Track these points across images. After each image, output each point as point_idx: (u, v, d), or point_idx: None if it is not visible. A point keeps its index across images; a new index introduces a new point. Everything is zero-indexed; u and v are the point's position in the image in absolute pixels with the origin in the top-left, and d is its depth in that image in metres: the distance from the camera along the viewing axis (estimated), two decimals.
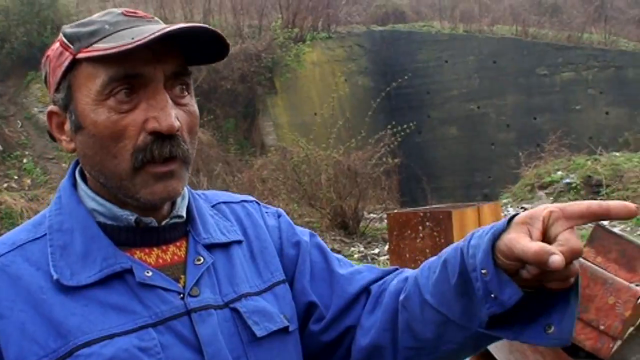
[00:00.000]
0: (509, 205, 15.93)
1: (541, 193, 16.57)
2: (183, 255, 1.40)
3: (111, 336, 1.24)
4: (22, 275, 1.29)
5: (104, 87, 1.27)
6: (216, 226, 1.49)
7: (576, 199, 15.62)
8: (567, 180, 16.37)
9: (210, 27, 1.29)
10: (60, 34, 1.36)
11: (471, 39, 22.72)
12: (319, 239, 1.70)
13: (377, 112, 18.25)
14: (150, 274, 1.32)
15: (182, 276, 1.37)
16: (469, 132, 22.25)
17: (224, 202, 1.60)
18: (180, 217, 1.43)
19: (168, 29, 1.23)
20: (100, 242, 1.32)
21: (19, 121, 20.36)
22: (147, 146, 1.28)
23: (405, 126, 15.80)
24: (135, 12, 1.35)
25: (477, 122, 22.22)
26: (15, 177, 19.15)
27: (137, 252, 1.36)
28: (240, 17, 20.89)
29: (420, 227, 5.49)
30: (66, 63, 1.31)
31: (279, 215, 1.68)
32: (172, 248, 1.40)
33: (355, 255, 12.25)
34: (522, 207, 15.97)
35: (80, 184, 1.41)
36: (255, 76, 19.25)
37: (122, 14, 1.33)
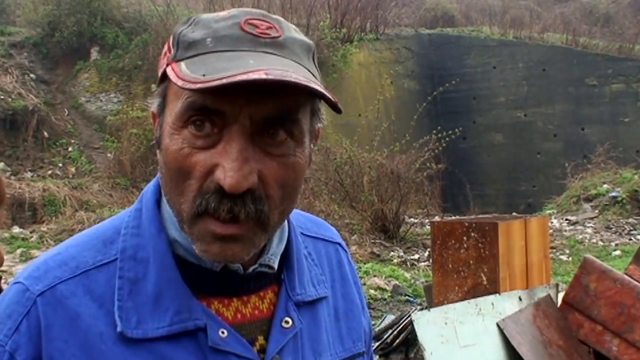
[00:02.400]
0: (553, 217, 15.71)
1: (586, 205, 16.33)
2: (265, 310, 1.20)
3: None
4: (81, 313, 1.11)
5: (182, 113, 1.07)
6: (308, 274, 1.28)
7: (621, 213, 15.37)
8: (613, 194, 16.12)
9: (308, 83, 1.00)
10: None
11: (521, 45, 22.49)
12: None
13: (422, 116, 18.13)
14: (225, 334, 1.13)
15: (260, 337, 1.18)
16: (515, 140, 22.02)
17: (321, 239, 1.37)
18: (270, 267, 1.20)
19: (248, 77, 0.98)
20: (176, 287, 1.13)
21: (66, 110, 20.60)
22: (210, 194, 1.06)
23: (450, 132, 15.65)
24: (259, 23, 1.12)
25: (523, 130, 21.98)
26: (60, 165, 19.37)
27: (215, 303, 1.16)
28: (288, 15, 20.88)
29: (465, 238, 5.39)
30: (162, 69, 1.13)
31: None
32: (253, 299, 1.20)
33: (395, 260, 12.16)
34: (566, 219, 15.75)
35: (165, 205, 1.18)
36: None
37: (241, 25, 1.10)
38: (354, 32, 21.44)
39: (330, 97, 1.02)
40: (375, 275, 10.10)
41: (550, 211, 16.66)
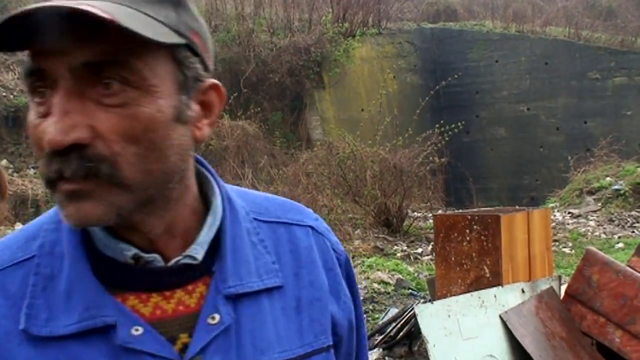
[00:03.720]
0: (556, 210, 15.71)
1: (589, 199, 16.33)
2: (193, 305, 1.09)
3: None
4: None
5: (24, 83, 1.01)
6: (254, 263, 1.15)
7: (624, 206, 15.37)
8: (616, 187, 16.11)
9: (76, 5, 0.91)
10: None
11: (523, 39, 22.45)
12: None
13: (425, 111, 18.11)
14: (139, 331, 1.03)
15: (184, 334, 1.07)
16: (518, 134, 22.00)
17: (284, 223, 1.24)
18: (194, 258, 1.10)
19: (25, 9, 0.94)
20: (86, 282, 1.04)
21: None
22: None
23: (453, 126, 15.65)
24: None
25: (526, 123, 21.96)
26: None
27: (131, 298, 1.07)
28: (291, 10, 20.86)
29: (468, 231, 5.40)
30: None
31: (347, 260, 1.32)
32: (179, 294, 1.09)
33: (398, 254, 12.17)
34: (569, 212, 15.75)
35: None
36: (303, 70, 19.22)
37: None
38: (356, 27, 21.41)
39: (103, 17, 0.90)
40: (378, 269, 10.12)
41: (553, 204, 16.67)
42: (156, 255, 1.08)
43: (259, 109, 18.40)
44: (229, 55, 19.02)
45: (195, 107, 1.06)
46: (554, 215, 14.74)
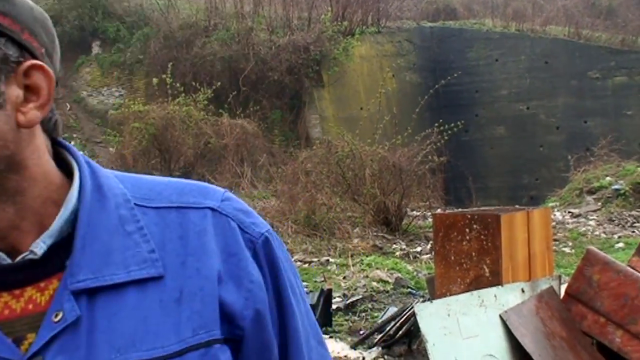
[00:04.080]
0: (555, 209, 15.69)
1: (589, 198, 16.31)
2: (44, 303, 1.02)
3: None
4: None
5: None
6: (121, 254, 1.06)
7: (624, 206, 15.35)
8: (616, 187, 16.09)
9: None
10: None
11: (523, 38, 22.43)
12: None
13: (424, 109, 18.10)
14: None
15: (31, 335, 1.01)
16: (518, 133, 21.98)
17: (175, 207, 1.13)
18: (34, 253, 1.04)
19: None
20: None
21: (68, 104, 20.60)
22: None
23: (452, 124, 15.62)
24: None
25: (526, 123, 21.94)
26: None
27: None
28: (290, 8, 20.86)
29: (467, 230, 5.37)
30: None
31: (265, 242, 1.17)
32: (29, 292, 1.03)
33: (397, 253, 12.15)
34: (569, 212, 15.73)
35: None
36: (302, 68, 19.22)
37: None
38: (355, 25, 21.40)
39: None
40: (377, 268, 10.10)
41: (553, 204, 16.64)
42: (1, 254, 1.02)
43: (258, 107, 18.40)
44: (228, 54, 19.02)
45: (13, 91, 1.01)
46: (554, 215, 14.72)
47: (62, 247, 1.04)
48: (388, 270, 10.09)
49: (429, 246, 12.58)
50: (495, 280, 5.20)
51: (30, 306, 1.02)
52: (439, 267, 5.61)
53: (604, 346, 4.96)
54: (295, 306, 1.18)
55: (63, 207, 1.06)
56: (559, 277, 5.66)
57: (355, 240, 12.61)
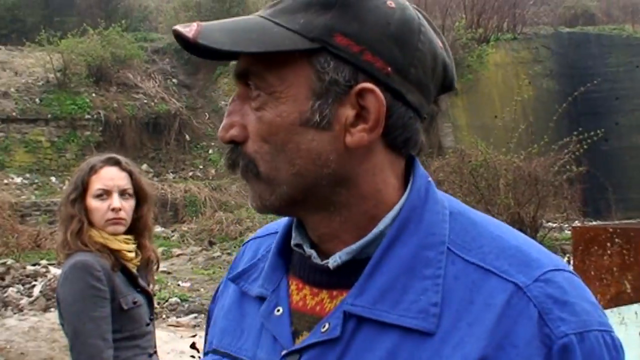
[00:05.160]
0: None
1: None
2: (327, 310, 1.09)
3: (224, 355, 1.20)
4: None
5: None
6: (403, 296, 1.04)
7: None
8: None
9: (186, 31, 1.06)
10: None
11: None
12: None
13: (561, 117, 17.65)
14: (279, 312, 1.13)
15: (307, 334, 1.09)
16: None
17: (483, 268, 1.04)
18: (328, 263, 1.10)
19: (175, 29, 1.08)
20: (275, 257, 1.19)
21: (206, 113, 21.26)
22: None
23: (591, 133, 15.18)
24: None
25: None
26: (201, 167, 20.00)
27: (294, 283, 1.16)
28: None
29: (609, 244, 5.20)
30: None
31: (566, 346, 0.98)
32: (323, 295, 1.11)
33: None
34: None
35: None
36: None
37: None
38: (490, 32, 21.17)
39: (186, 36, 1.04)
40: None
41: None
42: (313, 252, 1.12)
43: None
44: None
45: (344, 112, 1.05)
46: None
47: (362, 266, 1.07)
48: None
49: (565, 259, 12.26)
50: (637, 296, 5.02)
51: (318, 308, 1.10)
52: None
53: None
54: None
55: (370, 229, 1.09)
56: None
57: None
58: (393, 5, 1.06)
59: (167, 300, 10.80)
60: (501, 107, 19.10)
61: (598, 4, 27.53)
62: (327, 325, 1.05)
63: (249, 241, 1.34)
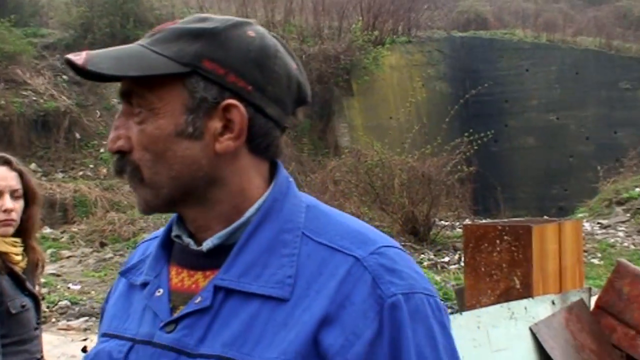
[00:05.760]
0: (584, 220, 15.59)
1: (618, 209, 16.19)
2: (201, 286, 1.29)
3: (112, 336, 1.37)
4: None
5: None
6: (265, 270, 1.24)
7: None
8: None
9: (77, 60, 1.25)
10: None
11: (554, 48, 22.36)
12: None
13: (454, 119, 18.05)
14: (160, 293, 1.32)
15: (182, 307, 1.28)
16: (547, 143, 21.88)
17: (329, 247, 1.25)
18: (202, 248, 1.31)
19: (73, 58, 1.26)
20: (158, 250, 1.39)
21: (97, 111, 20.73)
22: None
23: (482, 134, 15.59)
24: (170, 23, 1.34)
25: (555, 133, 21.84)
26: (91, 166, 19.50)
27: (174, 269, 1.35)
28: (320, 18, 20.93)
29: (498, 241, 5.36)
30: None
31: (394, 304, 1.20)
32: (198, 275, 1.31)
33: (425, 263, 12.14)
34: (598, 223, 15.62)
35: None
36: (332, 77, 19.27)
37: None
38: (386, 35, 21.42)
39: (77, 63, 1.24)
40: None
41: (582, 215, 16.54)
42: (190, 240, 1.34)
43: None
44: None
45: (213, 125, 1.26)
46: (583, 226, 14.64)
47: (229, 250, 1.28)
48: None
49: (456, 256, 12.56)
50: (526, 292, 5.19)
51: (194, 286, 1.30)
52: (469, 279, 5.60)
53: (633, 359, 4.94)
54: None
55: (238, 220, 1.30)
56: (589, 289, 5.64)
57: None
58: (253, 34, 1.31)
59: (56, 304, 10.47)
60: (396, 108, 19.39)
61: (490, 9, 28.24)
62: (200, 298, 1.25)
63: (142, 242, 1.52)
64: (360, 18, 21.14)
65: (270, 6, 20.83)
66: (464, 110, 20.64)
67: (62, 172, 19.00)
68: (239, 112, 1.26)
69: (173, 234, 1.38)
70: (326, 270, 1.22)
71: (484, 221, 13.08)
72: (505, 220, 7.38)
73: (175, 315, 1.27)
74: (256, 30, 1.33)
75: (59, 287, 11.43)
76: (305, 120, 19.55)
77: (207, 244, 1.30)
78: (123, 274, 1.45)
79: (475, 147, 15.44)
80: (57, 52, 21.44)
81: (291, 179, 1.37)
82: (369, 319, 1.18)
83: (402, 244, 13.20)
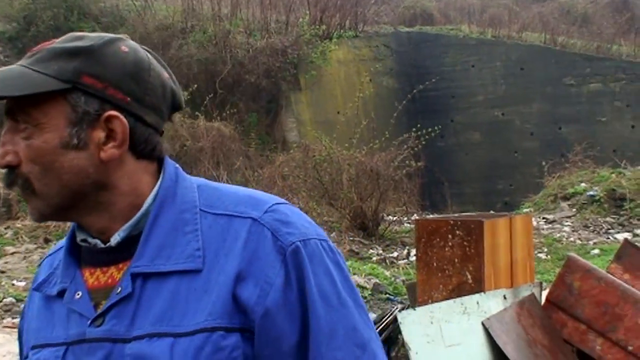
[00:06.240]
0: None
1: (564, 204, 16.40)
2: (118, 279, 1.39)
3: (43, 346, 1.43)
4: None
5: None
6: (174, 249, 1.37)
7: (599, 212, 15.46)
8: (591, 193, 16.20)
9: None
10: None
11: (499, 44, 22.56)
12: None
13: (401, 114, 18.11)
14: (79, 295, 1.40)
15: (104, 302, 1.38)
16: (493, 139, 22.07)
17: (226, 215, 1.40)
18: (111, 243, 1.42)
19: None
20: (66, 258, 1.46)
21: None
22: None
23: (429, 130, 15.64)
24: (47, 43, 1.41)
25: (501, 128, 22.04)
26: None
27: (87, 271, 1.43)
28: (267, 11, 20.80)
29: (450, 236, 5.34)
30: None
31: (295, 250, 1.36)
32: (112, 270, 1.41)
33: (374, 258, 12.14)
34: (543, 218, 15.81)
35: None
36: (280, 72, 19.16)
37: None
38: (333, 29, 21.39)
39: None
40: (355, 273, 10.06)
41: (527, 209, 16.71)
42: (96, 240, 1.43)
43: (235, 110, 18.28)
44: (205, 56, 18.91)
45: (96, 135, 1.37)
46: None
47: (137, 240, 1.38)
48: (365, 275, 10.07)
49: (405, 251, 12.59)
50: (478, 287, 5.18)
51: (110, 281, 1.39)
52: (421, 274, 5.57)
53: (584, 354, 4.97)
54: (322, 309, 1.35)
55: (138, 212, 1.41)
56: (540, 284, 5.66)
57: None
58: (126, 49, 1.41)
59: (1, 301, 10.26)
60: (344, 103, 19.36)
61: (436, 5, 28.43)
62: (120, 289, 1.35)
63: (44, 259, 1.59)
64: (308, 12, 21.07)
65: (216, 0, 20.63)
66: (412, 106, 20.70)
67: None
68: (120, 122, 1.37)
69: (78, 238, 1.45)
70: (229, 236, 1.36)
71: (433, 216, 13.12)
72: (456, 215, 7.38)
73: (100, 309, 1.36)
74: (129, 45, 1.43)
75: (3, 284, 11.19)
76: (253, 114, 19.42)
77: (115, 239, 1.39)
78: (37, 289, 1.50)
79: (423, 142, 15.50)
80: (0, 45, 20.94)
81: (177, 166, 1.49)
82: (277, 267, 1.33)
83: (351, 239, 13.20)
